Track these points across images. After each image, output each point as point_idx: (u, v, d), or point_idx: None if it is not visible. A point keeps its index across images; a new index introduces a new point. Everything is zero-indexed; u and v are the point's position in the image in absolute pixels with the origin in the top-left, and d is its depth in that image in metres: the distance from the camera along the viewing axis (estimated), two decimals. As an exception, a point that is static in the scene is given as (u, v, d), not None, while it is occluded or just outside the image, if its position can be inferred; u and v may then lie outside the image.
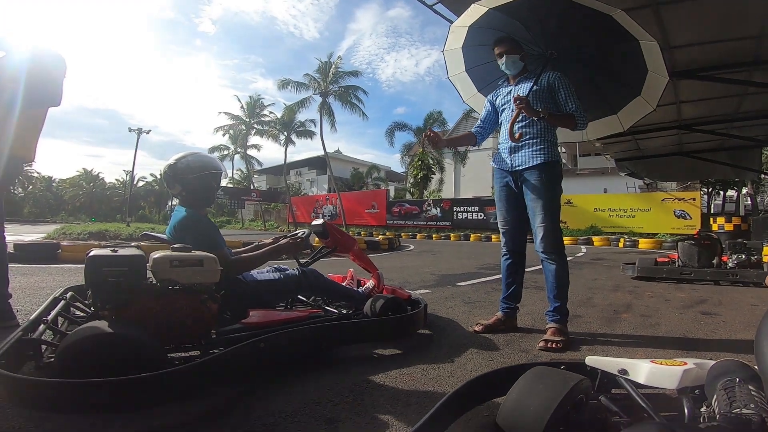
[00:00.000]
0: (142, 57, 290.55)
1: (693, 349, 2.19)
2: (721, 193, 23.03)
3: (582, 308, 3.19)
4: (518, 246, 2.46)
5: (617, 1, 4.04)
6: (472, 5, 2.49)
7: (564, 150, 23.20)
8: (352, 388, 1.53)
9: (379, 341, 2.05)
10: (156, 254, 1.48)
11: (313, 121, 29.94)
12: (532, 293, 3.55)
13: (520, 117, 2.29)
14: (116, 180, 53.19)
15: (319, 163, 41.18)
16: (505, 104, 2.44)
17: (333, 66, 26.02)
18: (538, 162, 2.25)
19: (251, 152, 36.33)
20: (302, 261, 2.45)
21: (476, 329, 2.38)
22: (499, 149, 2.46)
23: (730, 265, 4.86)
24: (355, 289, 2.43)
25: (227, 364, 1.40)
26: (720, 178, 17.94)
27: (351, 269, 2.72)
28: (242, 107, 33.84)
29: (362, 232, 23.02)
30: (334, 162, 35.63)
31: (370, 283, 2.47)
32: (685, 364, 1.03)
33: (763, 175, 12.83)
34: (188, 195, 1.87)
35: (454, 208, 23.21)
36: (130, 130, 27.69)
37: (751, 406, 0.80)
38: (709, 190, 21.83)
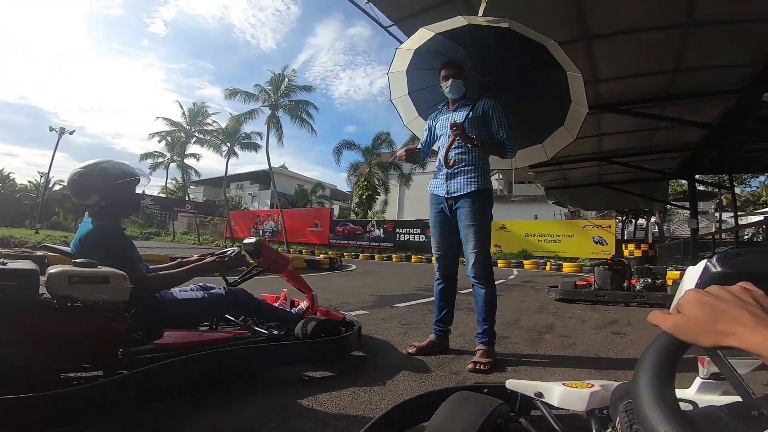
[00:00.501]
0: (78, 54, 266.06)
1: (605, 368, 2.36)
2: (633, 221, 25.75)
3: (510, 329, 3.34)
4: (451, 270, 2.52)
5: (556, 33, 4.45)
6: (420, 29, 2.57)
7: (500, 177, 24.70)
8: (279, 411, 1.48)
9: (310, 363, 2.00)
10: (53, 269, 1.31)
11: (259, 134, 29.01)
12: (465, 315, 3.66)
13: (456, 143, 2.37)
14: (29, 182, 47.27)
15: (262, 178, 39.89)
16: (442, 130, 2.51)
17: (286, 79, 25.61)
18: (472, 189, 2.34)
19: (189, 161, 34.44)
20: (232, 279, 2.33)
21: (410, 351, 2.39)
22: (435, 175, 2.53)
23: (638, 287, 5.39)
24: (288, 309, 2.34)
25: (134, 385, 1.31)
26: (632, 208, 20.09)
27: (285, 289, 2.63)
28: (184, 114, 32.05)
29: (303, 251, 22.50)
30: (278, 177, 34.74)
31: (303, 304, 2.40)
32: (593, 386, 1.08)
33: (669, 206, 14.58)
34: (107, 205, 1.69)
35: (397, 230, 23.57)
36: (50, 129, 25.00)
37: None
38: (623, 218, 24.32)
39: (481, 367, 2.12)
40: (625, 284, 5.39)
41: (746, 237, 15.13)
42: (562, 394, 1.08)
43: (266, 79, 26.54)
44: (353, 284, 6.87)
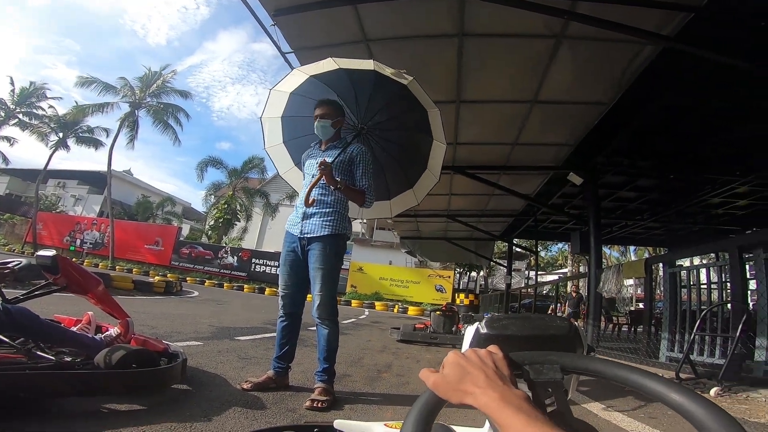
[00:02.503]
0: None
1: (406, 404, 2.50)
2: (468, 273, 29.67)
3: (352, 368, 3.37)
4: (296, 309, 2.45)
5: (432, 93, 4.94)
6: (294, 70, 2.55)
7: (364, 221, 25.87)
8: None
9: (113, 396, 1.67)
10: None
11: (106, 130, 24.49)
12: (310, 351, 3.56)
13: (320, 183, 2.34)
14: None
15: (95, 180, 33.13)
16: (309, 169, 2.47)
17: (161, 78, 22.61)
18: (326, 233, 2.32)
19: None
20: (17, 296, 1.81)
21: (245, 387, 2.20)
22: (294, 212, 2.46)
23: (463, 332, 6.13)
24: (91, 335, 1.91)
25: None
26: (467, 262, 23.20)
27: (90, 313, 2.16)
28: (13, 91, 24.83)
29: (135, 270, 19.18)
30: (118, 183, 29.63)
31: (113, 331, 2.01)
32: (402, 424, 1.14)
33: (493, 262, 17.37)
34: None
35: (253, 260, 22.26)
36: None
37: None
38: (460, 270, 27.82)
39: (319, 405, 2.06)
40: (453, 328, 6.08)
41: (544, 291, 18.95)
42: None
43: (139, 75, 22.99)
44: (191, 312, 6.06)
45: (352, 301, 18.17)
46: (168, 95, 23.03)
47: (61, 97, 37.48)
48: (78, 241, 24.65)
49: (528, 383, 0.56)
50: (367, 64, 2.32)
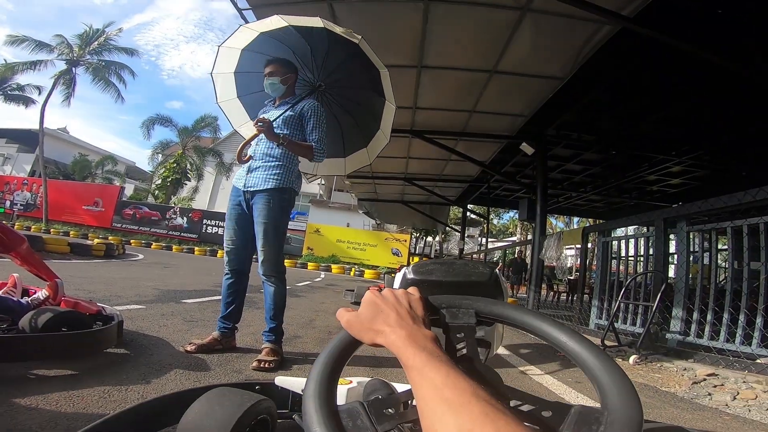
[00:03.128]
0: None
1: (378, 366, 2.49)
2: (424, 238, 30.48)
3: (303, 329, 3.41)
4: (242, 266, 2.41)
5: (398, 57, 4.76)
6: (241, 27, 2.45)
7: (323, 182, 25.48)
8: None
9: (41, 361, 1.60)
10: None
11: (38, 88, 22.24)
12: (259, 313, 3.54)
13: (261, 138, 2.31)
14: None
15: (26, 138, 29.84)
16: None
17: (104, 36, 20.56)
18: (269, 186, 2.27)
19: None
20: None
21: (188, 349, 2.16)
22: (241, 167, 2.42)
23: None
24: (16, 298, 1.79)
25: None
26: (423, 227, 23.78)
27: (15, 274, 2.00)
28: None
29: (72, 232, 17.90)
30: (52, 141, 27.01)
31: (41, 293, 1.89)
32: (351, 382, 1.16)
33: (448, 227, 17.93)
34: None
35: (205, 221, 21.38)
36: None
37: (385, 424, 0.97)
38: (417, 235, 28.51)
39: (266, 365, 2.07)
40: (407, 290, 6.30)
41: (495, 257, 20.01)
42: None
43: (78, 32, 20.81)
44: (133, 276, 5.80)
45: (309, 263, 18.15)
46: (111, 53, 21.22)
47: None
48: (7, 203, 22.41)
49: (443, 328, 0.57)
50: (315, 21, 2.27)
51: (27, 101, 22.63)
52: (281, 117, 2.32)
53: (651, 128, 6.99)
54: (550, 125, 6.65)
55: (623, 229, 6.35)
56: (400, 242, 21.52)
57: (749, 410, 2.30)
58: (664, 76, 5.30)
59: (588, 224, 14.99)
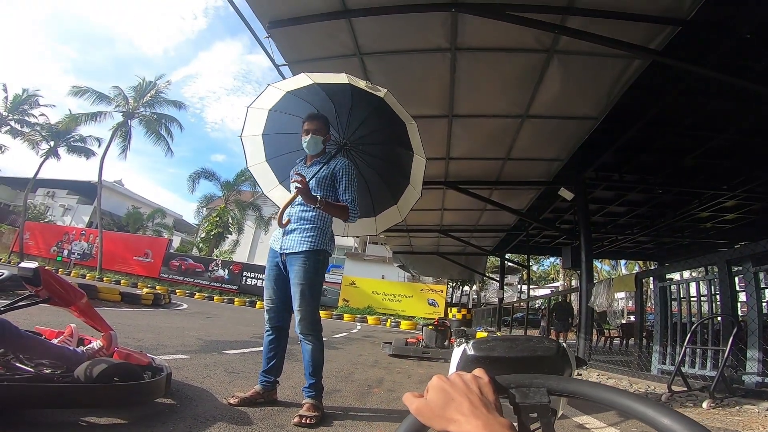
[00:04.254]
0: None
1: None
2: (460, 288, 29.59)
3: (342, 383, 3.30)
4: (282, 323, 2.42)
5: (425, 108, 4.82)
6: (268, 87, 2.49)
7: (357, 236, 25.77)
8: None
9: (94, 409, 1.64)
10: None
11: (98, 140, 24.06)
12: (299, 366, 3.47)
13: (298, 201, 2.31)
14: None
15: (85, 190, 32.53)
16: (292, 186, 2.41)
17: (155, 88, 22.42)
18: (304, 249, 2.29)
19: None
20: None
21: (231, 402, 2.14)
22: (277, 228, 2.44)
23: (455, 346, 6.09)
24: (72, 348, 1.86)
25: None
26: (460, 279, 23.17)
27: (72, 325, 2.11)
28: (6, 98, 24.24)
29: (123, 281, 18.84)
30: (108, 193, 29.35)
31: (96, 344, 1.96)
32: None
33: (485, 277, 17.35)
34: None
35: (244, 273, 21.99)
36: None
37: None
38: (453, 284, 27.75)
39: (307, 421, 2.02)
40: (446, 343, 6.01)
41: (536, 305, 18.96)
42: None
43: (132, 84, 22.76)
44: (178, 325, 5.93)
45: (345, 315, 17.97)
46: (161, 105, 22.82)
47: (54, 105, 36.90)
48: (65, 252, 24.17)
49: (514, 407, 0.55)
50: (341, 78, 2.29)
51: (88, 153, 24.15)
52: (315, 178, 2.34)
53: (696, 163, 6.68)
54: (589, 168, 6.47)
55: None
56: (436, 293, 21.02)
57: None
58: (702, 109, 5.14)
59: (638, 268, 14.07)
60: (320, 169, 2.35)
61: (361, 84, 2.32)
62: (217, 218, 24.48)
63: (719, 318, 3.82)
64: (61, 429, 1.44)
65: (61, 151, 24.00)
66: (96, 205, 24.39)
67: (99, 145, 23.98)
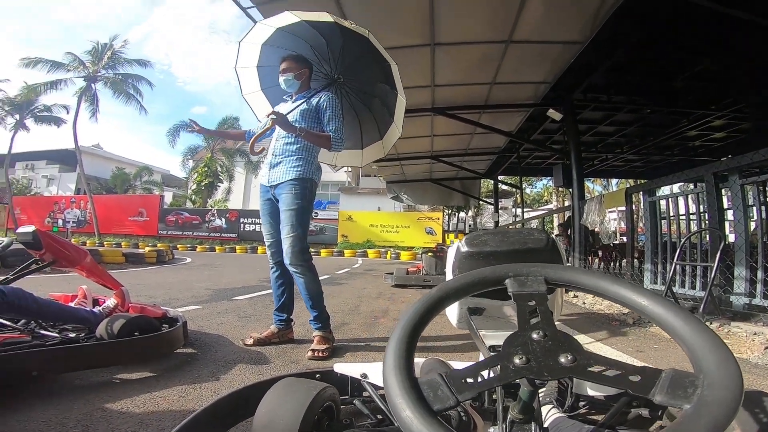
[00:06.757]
0: None
1: (426, 347, 2.58)
2: (456, 214, 30.17)
3: (349, 316, 3.50)
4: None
5: (406, 38, 4.65)
6: (258, 23, 2.49)
7: (349, 170, 25.58)
8: (81, 419, 1.24)
9: (121, 365, 1.74)
10: None
11: (65, 107, 23.39)
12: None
13: (283, 134, 2.37)
14: None
15: (65, 158, 31.60)
16: None
17: (111, 50, 21.39)
18: (290, 177, 2.34)
19: None
20: (6, 277, 1.81)
21: (247, 343, 2.29)
22: (265, 164, 2.49)
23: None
24: (89, 308, 1.94)
25: None
26: (456, 204, 23.52)
27: (84, 286, 2.17)
28: None
29: (123, 243, 19.03)
30: (89, 158, 28.49)
31: (110, 302, 2.03)
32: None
33: (481, 202, 17.61)
34: None
35: (242, 220, 22.13)
36: None
37: (465, 393, 0.98)
38: (449, 211, 28.26)
39: (320, 354, 2.16)
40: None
41: (532, 226, 19.49)
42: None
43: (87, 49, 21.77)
44: (186, 279, 6.13)
45: (345, 251, 18.46)
46: (124, 66, 22.07)
47: (8, 80, 35.55)
48: (60, 221, 24.05)
49: (512, 296, 0.56)
50: (324, 16, 2.28)
51: (57, 121, 23.85)
52: (299, 110, 2.36)
53: (685, 84, 6.63)
54: (577, 89, 6.36)
55: (668, 187, 6.00)
56: (433, 221, 21.41)
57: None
58: (690, 33, 4.99)
59: (629, 185, 14.29)
60: (302, 102, 2.39)
61: (346, 24, 2.30)
62: (206, 168, 24.10)
63: (707, 237, 3.83)
64: (98, 389, 1.54)
65: (29, 122, 23.37)
66: (79, 171, 23.82)
67: (67, 112, 23.45)
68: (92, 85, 21.58)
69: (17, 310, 1.65)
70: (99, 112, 21.97)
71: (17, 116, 22.78)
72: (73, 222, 23.94)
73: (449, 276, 0.94)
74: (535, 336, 0.50)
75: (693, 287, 3.93)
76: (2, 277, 1.85)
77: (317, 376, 1.26)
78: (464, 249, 0.82)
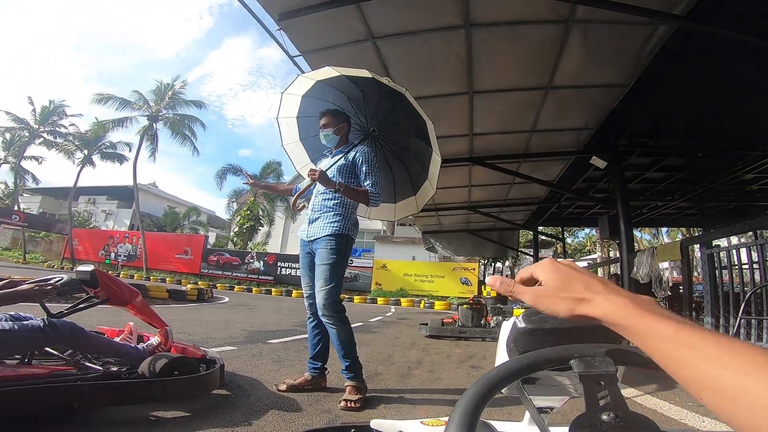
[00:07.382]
0: None
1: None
2: (492, 264, 29.28)
3: (382, 366, 3.39)
4: None
5: (444, 86, 4.81)
6: (300, 76, 2.63)
7: (378, 220, 25.79)
8: None
9: (158, 403, 1.76)
10: None
11: (128, 145, 25.21)
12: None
13: (323, 189, 2.44)
14: None
15: (123, 194, 34.25)
16: None
17: (172, 90, 23.11)
18: (326, 233, 2.39)
19: (27, 164, 27.43)
20: (61, 311, 1.92)
21: (281, 389, 2.27)
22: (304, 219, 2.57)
23: (492, 324, 6.07)
24: (133, 345, 2.00)
25: None
26: (493, 256, 22.94)
27: (131, 323, 2.26)
28: (34, 110, 25.65)
29: (167, 279, 19.85)
30: (145, 196, 30.62)
31: (154, 340, 2.09)
32: (447, 423, 1.12)
33: (519, 252, 17.06)
34: None
35: (279, 263, 22.62)
36: None
37: None
38: (485, 261, 27.49)
39: (352, 405, 2.10)
40: (482, 321, 6.01)
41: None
42: None
43: (151, 88, 23.75)
44: (223, 318, 6.24)
45: (378, 299, 18.23)
46: (182, 106, 23.41)
47: (81, 114, 38.35)
48: (112, 255, 25.62)
49: (579, 378, 0.54)
50: (363, 72, 2.38)
51: (120, 158, 25.38)
52: (335, 166, 2.43)
53: (735, 124, 6.27)
54: (621, 135, 6.21)
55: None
56: (469, 271, 20.90)
57: None
58: (736, 71, 4.83)
59: (680, 236, 13.42)
60: (340, 158, 2.45)
61: (383, 80, 2.39)
62: (248, 212, 25.15)
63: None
64: (133, 425, 1.57)
65: (95, 158, 25.13)
66: (135, 208, 25.60)
67: (129, 150, 24.98)
68: (154, 124, 22.93)
69: (67, 342, 1.74)
70: (157, 152, 23.33)
71: (86, 151, 24.63)
72: (125, 256, 25.37)
73: (501, 352, 0.90)
74: (605, 418, 0.47)
75: (760, 339, 3.65)
76: (58, 311, 1.97)
77: (352, 431, 1.21)
78: (522, 325, 0.79)
